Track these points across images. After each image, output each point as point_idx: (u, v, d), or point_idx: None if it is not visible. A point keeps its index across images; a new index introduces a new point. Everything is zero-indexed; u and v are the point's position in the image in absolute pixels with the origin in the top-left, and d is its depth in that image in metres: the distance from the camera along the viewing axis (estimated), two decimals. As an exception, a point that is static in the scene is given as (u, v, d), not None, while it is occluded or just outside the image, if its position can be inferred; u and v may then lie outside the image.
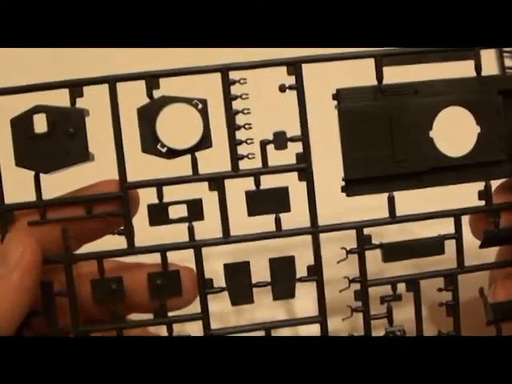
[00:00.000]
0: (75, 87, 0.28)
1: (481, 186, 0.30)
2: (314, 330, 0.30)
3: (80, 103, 0.28)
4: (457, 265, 0.30)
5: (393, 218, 0.29)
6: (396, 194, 0.29)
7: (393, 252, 0.29)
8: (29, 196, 0.28)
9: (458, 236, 0.30)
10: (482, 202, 0.30)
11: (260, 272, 0.29)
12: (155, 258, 0.29)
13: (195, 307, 0.29)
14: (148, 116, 0.28)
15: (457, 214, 0.30)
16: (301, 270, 0.29)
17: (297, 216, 0.29)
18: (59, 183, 0.28)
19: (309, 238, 0.29)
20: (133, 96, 0.28)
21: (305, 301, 0.31)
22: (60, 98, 0.28)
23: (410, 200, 0.30)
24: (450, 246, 0.30)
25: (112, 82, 0.28)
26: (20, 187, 0.27)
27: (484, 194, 0.30)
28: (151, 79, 0.28)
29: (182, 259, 0.29)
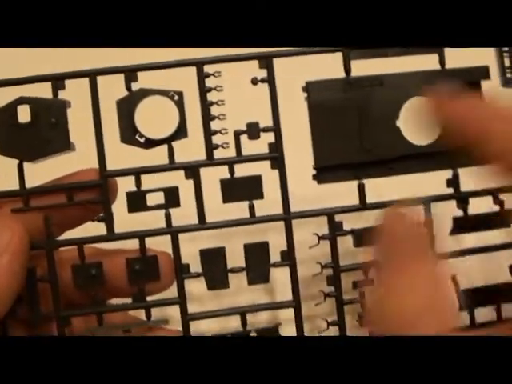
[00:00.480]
0: (57, 80, 0.30)
1: (449, 174, 0.31)
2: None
3: (62, 95, 0.30)
4: (427, 250, 0.31)
5: (363, 205, 0.31)
6: (370, 181, 0.31)
7: (364, 237, 0.31)
8: (9, 184, 0.30)
9: (428, 222, 0.31)
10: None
11: (236, 257, 0.31)
12: (134, 245, 0.30)
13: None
14: (126, 108, 0.30)
15: (426, 201, 0.31)
16: (275, 256, 0.31)
17: (270, 203, 0.30)
18: (42, 172, 0.30)
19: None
20: (112, 88, 0.30)
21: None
22: (43, 92, 0.30)
23: (383, 188, 0.31)
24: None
25: (92, 75, 0.30)
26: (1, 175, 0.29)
27: (452, 182, 0.31)
28: (130, 73, 0.30)
29: (160, 245, 0.31)
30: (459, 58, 0.31)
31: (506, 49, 0.45)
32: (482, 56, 0.32)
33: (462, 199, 0.31)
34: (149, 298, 0.30)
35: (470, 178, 0.31)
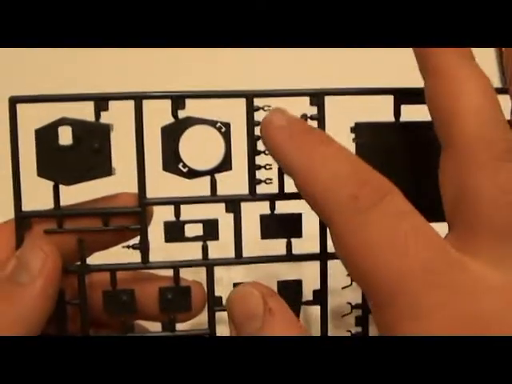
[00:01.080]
0: (101, 101, 0.29)
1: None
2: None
3: (104, 116, 0.29)
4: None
5: (398, 250, 0.31)
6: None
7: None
8: (42, 201, 0.29)
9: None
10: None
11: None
12: (168, 271, 0.30)
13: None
14: (171, 135, 0.29)
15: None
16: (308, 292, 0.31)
17: (307, 241, 0.31)
18: (76, 191, 0.29)
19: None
20: (156, 113, 0.29)
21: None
22: (83, 110, 0.29)
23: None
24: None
25: (138, 98, 0.29)
26: (32, 194, 0.28)
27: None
28: (177, 99, 0.29)
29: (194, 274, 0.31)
30: None
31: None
32: (482, 56, 0.32)
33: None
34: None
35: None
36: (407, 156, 0.31)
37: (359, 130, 0.30)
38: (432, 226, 0.25)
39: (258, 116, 0.30)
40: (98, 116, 0.29)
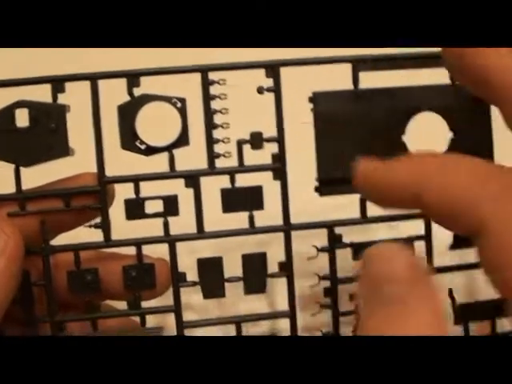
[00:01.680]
0: (57, 83, 0.29)
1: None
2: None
3: (61, 98, 0.30)
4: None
5: (364, 218, 0.31)
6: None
7: (363, 251, 0.31)
8: (5, 187, 0.30)
9: (427, 237, 0.32)
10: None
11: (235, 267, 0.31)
12: (132, 250, 0.31)
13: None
14: (128, 113, 0.30)
15: (427, 216, 0.31)
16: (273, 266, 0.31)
17: (270, 214, 0.31)
18: (38, 174, 0.30)
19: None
20: (113, 93, 0.29)
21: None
22: (41, 94, 0.30)
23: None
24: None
25: (94, 79, 0.29)
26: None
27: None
28: (132, 77, 0.30)
29: (157, 253, 0.31)
30: None
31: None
32: None
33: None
34: (143, 304, 0.31)
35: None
36: (367, 124, 0.31)
37: (317, 99, 0.30)
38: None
39: (214, 90, 0.30)
40: (55, 99, 0.29)
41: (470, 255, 0.32)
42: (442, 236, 0.32)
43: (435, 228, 0.32)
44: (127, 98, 0.30)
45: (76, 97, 0.30)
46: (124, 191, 0.30)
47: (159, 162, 0.30)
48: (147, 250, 0.31)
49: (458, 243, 0.32)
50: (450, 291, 0.33)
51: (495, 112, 0.31)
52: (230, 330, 0.32)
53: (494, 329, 0.33)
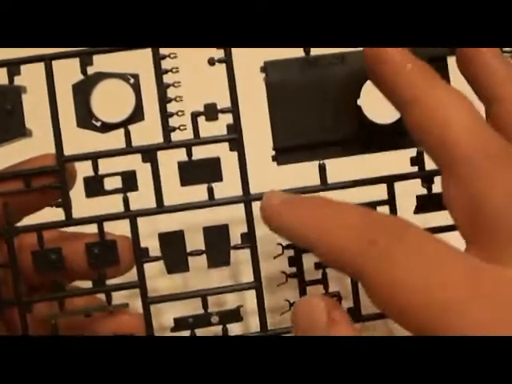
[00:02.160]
0: (12, 66, 0.30)
1: (413, 152, 0.32)
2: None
3: (18, 81, 0.30)
4: (391, 230, 0.32)
5: (324, 185, 0.31)
6: (331, 162, 0.31)
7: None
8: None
9: (390, 202, 0.32)
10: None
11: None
12: (95, 229, 0.31)
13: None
14: (82, 92, 0.30)
15: (389, 181, 0.31)
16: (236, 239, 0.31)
17: (230, 186, 0.31)
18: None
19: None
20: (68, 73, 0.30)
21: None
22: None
23: (344, 168, 0.31)
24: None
25: (47, 59, 0.30)
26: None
27: (416, 160, 0.32)
28: (85, 56, 0.30)
29: (121, 230, 0.31)
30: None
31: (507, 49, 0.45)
32: None
33: (427, 178, 0.32)
34: (109, 282, 0.31)
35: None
36: (321, 90, 0.31)
37: (269, 68, 0.31)
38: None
39: (166, 64, 0.31)
40: (11, 81, 0.30)
41: (433, 219, 0.33)
42: (406, 200, 0.32)
43: (398, 192, 0.32)
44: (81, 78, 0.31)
45: (33, 79, 0.30)
46: (84, 170, 0.31)
47: (118, 140, 0.31)
48: (110, 228, 0.31)
49: (423, 207, 0.32)
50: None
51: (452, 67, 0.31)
52: (196, 306, 0.32)
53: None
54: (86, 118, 0.30)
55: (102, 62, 0.31)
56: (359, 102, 0.31)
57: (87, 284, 0.32)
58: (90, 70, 0.30)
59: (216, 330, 0.32)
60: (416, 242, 0.26)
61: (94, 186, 0.31)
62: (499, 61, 0.29)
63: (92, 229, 0.31)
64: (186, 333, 0.31)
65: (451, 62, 0.31)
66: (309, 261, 0.32)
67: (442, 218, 0.32)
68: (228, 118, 0.31)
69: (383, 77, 0.28)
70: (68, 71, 0.30)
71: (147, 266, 0.31)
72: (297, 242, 0.28)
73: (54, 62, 0.30)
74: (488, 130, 0.27)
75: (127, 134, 0.31)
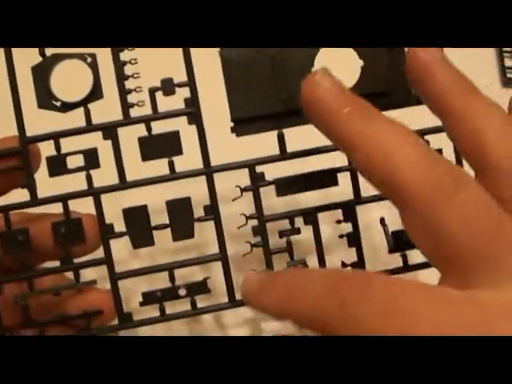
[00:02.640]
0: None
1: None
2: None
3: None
4: (353, 196, 0.32)
5: (283, 155, 0.32)
6: (290, 131, 0.32)
7: (286, 186, 0.32)
8: None
9: (351, 168, 0.32)
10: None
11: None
12: (61, 209, 0.32)
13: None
14: (41, 73, 0.31)
15: (349, 147, 0.32)
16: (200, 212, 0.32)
17: (191, 159, 0.32)
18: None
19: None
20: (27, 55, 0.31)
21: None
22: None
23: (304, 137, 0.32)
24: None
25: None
26: None
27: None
28: (42, 39, 0.31)
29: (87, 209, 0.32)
30: (459, 57, 0.32)
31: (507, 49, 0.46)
32: (483, 56, 0.32)
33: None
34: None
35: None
36: (275, 62, 0.32)
37: (223, 41, 0.32)
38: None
39: (121, 42, 0.31)
40: (-29, 67, 0.31)
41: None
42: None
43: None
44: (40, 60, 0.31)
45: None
46: (46, 150, 0.32)
47: (79, 119, 0.32)
48: (76, 207, 0.32)
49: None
50: (382, 220, 0.33)
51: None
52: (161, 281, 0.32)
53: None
54: (46, 98, 0.31)
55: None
56: (313, 70, 0.32)
57: (56, 265, 0.33)
58: (48, 52, 0.31)
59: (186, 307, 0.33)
60: (381, 291, 0.26)
61: (57, 166, 0.31)
62: (444, 67, 0.29)
63: (58, 209, 0.32)
64: (155, 307, 0.32)
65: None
66: (273, 229, 0.32)
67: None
68: (186, 92, 0.32)
69: (320, 123, 0.28)
70: (26, 53, 0.31)
71: (119, 249, 0.32)
72: (278, 318, 0.29)
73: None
74: (432, 156, 0.26)
75: (87, 113, 0.31)
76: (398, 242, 0.32)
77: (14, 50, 0.31)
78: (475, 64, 0.31)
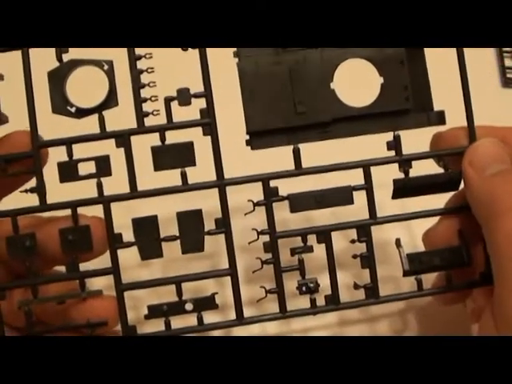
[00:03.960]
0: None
1: (389, 136, 0.32)
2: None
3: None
4: (369, 216, 0.32)
5: (299, 170, 0.31)
6: (306, 146, 0.32)
7: (300, 202, 0.31)
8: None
9: (368, 187, 0.32)
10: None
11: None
12: (68, 212, 0.32)
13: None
14: (57, 78, 0.31)
15: (365, 165, 0.32)
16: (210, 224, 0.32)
17: (204, 171, 0.31)
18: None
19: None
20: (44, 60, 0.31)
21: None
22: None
23: (320, 152, 0.32)
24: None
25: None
26: None
27: (393, 144, 0.32)
28: (60, 44, 0.31)
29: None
30: (440, 61, 0.32)
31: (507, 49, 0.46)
32: (483, 56, 0.32)
33: (404, 162, 0.32)
34: (82, 266, 0.32)
35: (412, 141, 0.32)
36: (294, 74, 0.31)
37: (242, 53, 0.32)
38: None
39: (139, 51, 0.31)
40: (-12, 70, 0.31)
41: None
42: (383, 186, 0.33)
43: (375, 178, 0.32)
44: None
45: (8, 67, 0.32)
46: (58, 155, 0.32)
47: (92, 126, 0.32)
48: (84, 213, 0.32)
49: (399, 192, 0.32)
50: (398, 241, 0.32)
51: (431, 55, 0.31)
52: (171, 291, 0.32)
53: (450, 280, 0.32)
54: (61, 104, 0.31)
55: (78, 49, 0.32)
56: (332, 85, 0.32)
57: (62, 271, 0.33)
58: (66, 58, 0.32)
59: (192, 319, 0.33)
60: None
61: (68, 172, 0.31)
62: None
63: (66, 211, 0.32)
64: (161, 320, 0.32)
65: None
66: (284, 246, 0.32)
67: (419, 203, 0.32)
68: (201, 103, 0.32)
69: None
70: (44, 58, 0.31)
71: (126, 257, 0.32)
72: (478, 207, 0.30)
73: (30, 49, 0.31)
74: None
75: (101, 120, 0.31)
76: (414, 264, 0.32)
77: (31, 54, 0.31)
78: (475, 64, 0.31)
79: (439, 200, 0.33)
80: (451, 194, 0.33)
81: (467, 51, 0.31)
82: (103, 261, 0.32)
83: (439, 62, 0.33)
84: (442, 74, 0.32)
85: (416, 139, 0.32)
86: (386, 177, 0.32)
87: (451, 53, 0.32)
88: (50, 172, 0.32)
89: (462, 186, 0.32)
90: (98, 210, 0.32)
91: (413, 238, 0.30)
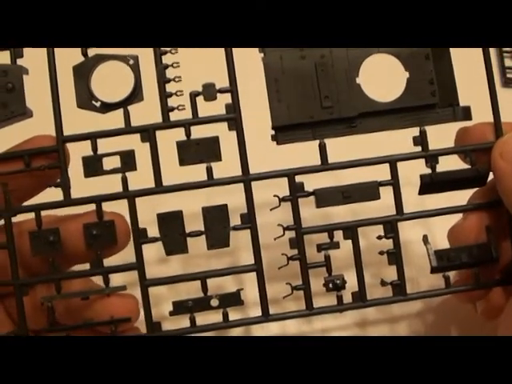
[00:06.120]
0: (15, 48, 0.32)
1: (416, 131, 0.32)
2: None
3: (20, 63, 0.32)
4: (396, 212, 0.32)
5: (325, 165, 0.32)
6: (332, 141, 0.32)
7: (327, 198, 0.32)
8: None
9: (394, 182, 0.32)
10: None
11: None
12: (90, 207, 0.32)
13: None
14: (82, 73, 0.32)
15: (392, 160, 0.32)
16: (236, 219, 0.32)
17: (229, 166, 0.32)
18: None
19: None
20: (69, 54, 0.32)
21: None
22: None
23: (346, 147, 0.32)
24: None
25: (49, 43, 0.32)
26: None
27: (419, 140, 0.32)
28: (85, 39, 0.32)
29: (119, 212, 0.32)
30: (460, 57, 0.32)
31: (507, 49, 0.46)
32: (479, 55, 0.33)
33: (431, 157, 0.32)
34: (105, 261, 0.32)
35: (438, 136, 0.32)
36: (319, 69, 0.32)
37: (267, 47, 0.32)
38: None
39: (164, 46, 0.32)
40: (14, 63, 0.32)
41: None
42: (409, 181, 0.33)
43: (402, 173, 0.32)
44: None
45: (34, 62, 0.32)
46: (83, 150, 0.32)
47: (117, 121, 0.32)
48: (108, 209, 0.32)
49: (426, 187, 0.33)
50: (425, 237, 0.33)
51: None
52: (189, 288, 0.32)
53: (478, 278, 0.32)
54: (85, 98, 0.32)
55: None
56: (358, 80, 0.32)
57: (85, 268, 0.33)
58: (91, 52, 0.32)
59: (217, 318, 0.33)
60: None
61: (93, 166, 0.32)
62: None
63: (88, 207, 0.32)
64: (186, 317, 0.32)
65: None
66: (311, 242, 0.32)
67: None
68: (227, 98, 0.32)
69: None
70: (69, 52, 0.32)
71: (149, 252, 0.32)
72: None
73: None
74: None
75: (126, 114, 0.32)
76: (442, 261, 0.32)
77: (55, 48, 0.32)
78: (475, 64, 0.32)
79: (457, 197, 0.34)
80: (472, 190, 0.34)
81: (468, 51, 0.32)
82: (126, 259, 0.33)
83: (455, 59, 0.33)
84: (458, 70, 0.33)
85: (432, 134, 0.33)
86: (406, 173, 0.33)
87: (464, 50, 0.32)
88: (74, 167, 0.33)
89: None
90: (121, 206, 0.32)
91: (432, 237, 0.30)
